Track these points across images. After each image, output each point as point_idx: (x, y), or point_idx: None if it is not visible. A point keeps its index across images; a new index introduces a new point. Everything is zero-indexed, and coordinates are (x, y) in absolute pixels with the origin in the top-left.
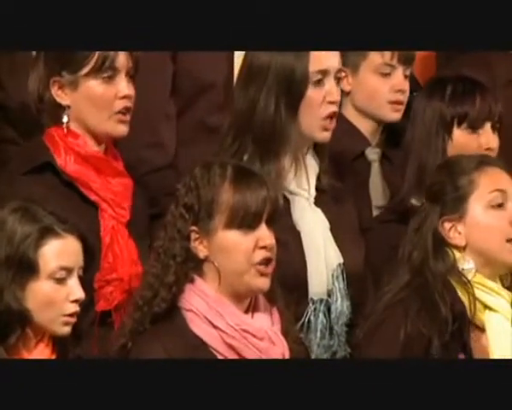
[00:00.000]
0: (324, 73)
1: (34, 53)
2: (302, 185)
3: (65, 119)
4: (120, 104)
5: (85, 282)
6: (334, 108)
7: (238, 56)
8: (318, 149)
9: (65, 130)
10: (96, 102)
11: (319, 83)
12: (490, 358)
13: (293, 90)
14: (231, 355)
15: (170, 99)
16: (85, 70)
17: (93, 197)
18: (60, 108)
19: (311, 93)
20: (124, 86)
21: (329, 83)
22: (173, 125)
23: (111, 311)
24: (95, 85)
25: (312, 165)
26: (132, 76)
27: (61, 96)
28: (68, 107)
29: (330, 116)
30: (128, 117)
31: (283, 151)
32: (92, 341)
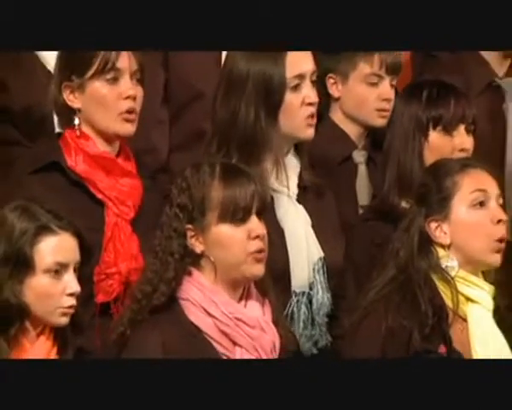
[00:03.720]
0: (301, 77)
1: (38, 54)
2: (284, 184)
3: (76, 121)
4: (125, 104)
5: (86, 276)
6: (312, 109)
7: None
8: (299, 148)
9: (77, 132)
10: (102, 102)
11: (297, 88)
12: (471, 352)
13: (271, 97)
14: (225, 342)
15: (162, 106)
16: (90, 72)
17: (99, 196)
18: (72, 112)
19: (290, 98)
20: (127, 87)
21: (306, 86)
22: (166, 131)
23: (110, 303)
24: (99, 87)
25: (294, 164)
26: (139, 79)
27: (72, 100)
28: (79, 110)
29: (310, 116)
30: (134, 116)
31: (265, 154)
32: (94, 332)
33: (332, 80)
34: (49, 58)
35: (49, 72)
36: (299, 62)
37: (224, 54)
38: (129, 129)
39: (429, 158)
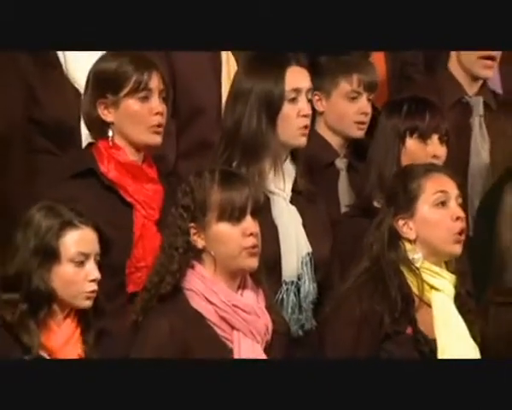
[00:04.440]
0: (298, 91)
1: (66, 72)
2: (280, 186)
3: (110, 133)
4: (154, 119)
5: (116, 268)
6: (306, 121)
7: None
8: (295, 156)
9: (110, 143)
10: (134, 117)
11: (293, 100)
12: (435, 333)
13: (271, 107)
14: (225, 327)
15: (171, 119)
16: (125, 91)
17: (129, 199)
18: (105, 125)
19: (287, 109)
20: (157, 104)
21: (302, 100)
22: (173, 141)
23: (139, 293)
24: (132, 104)
25: (290, 170)
26: (165, 98)
27: (106, 115)
28: (112, 123)
29: (304, 126)
30: (161, 129)
31: (264, 157)
32: (122, 316)
33: (317, 97)
34: (77, 76)
35: (76, 89)
36: (298, 78)
37: (223, 72)
38: (158, 140)
39: (405, 163)
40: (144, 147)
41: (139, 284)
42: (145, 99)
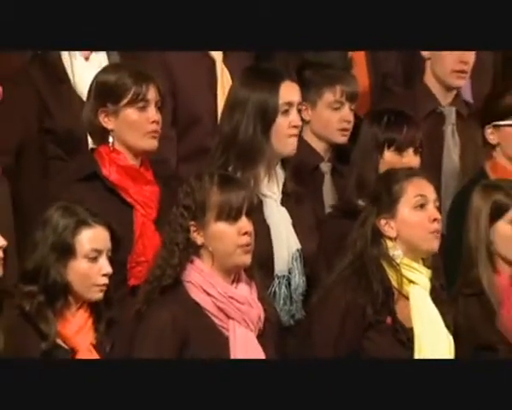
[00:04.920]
0: (290, 104)
1: (74, 87)
2: (272, 190)
3: (110, 139)
4: (151, 127)
5: (118, 264)
6: (296, 131)
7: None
8: (284, 162)
9: (111, 148)
10: (133, 125)
11: (286, 112)
12: (412, 324)
13: (267, 117)
14: (222, 316)
15: (172, 127)
16: (124, 102)
17: (129, 200)
18: (106, 132)
19: (280, 120)
20: (153, 114)
21: (293, 112)
22: (174, 147)
23: (140, 285)
24: (131, 113)
25: (279, 174)
26: (160, 107)
27: (107, 122)
28: (112, 130)
29: (294, 136)
30: (157, 135)
31: (259, 163)
32: (126, 307)
33: (304, 107)
34: (84, 90)
35: (83, 101)
36: (290, 92)
37: (218, 84)
38: (154, 145)
39: (383, 170)
40: (142, 152)
41: (140, 278)
42: (143, 109)
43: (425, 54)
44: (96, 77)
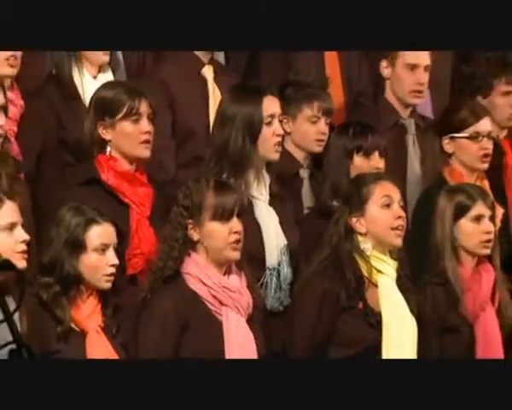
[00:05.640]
0: (272, 116)
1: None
2: (261, 192)
3: (108, 149)
4: (143, 137)
5: (120, 256)
6: (279, 139)
7: (212, 111)
8: (269, 168)
9: (108, 156)
10: (128, 136)
11: (269, 123)
12: (381, 310)
13: (253, 129)
14: (216, 303)
15: (171, 138)
16: (120, 115)
17: (126, 200)
18: (104, 142)
19: (265, 131)
20: (145, 125)
21: (276, 123)
22: (173, 155)
23: (137, 274)
24: (126, 125)
25: (266, 178)
26: (151, 119)
27: (105, 134)
28: (110, 140)
29: (278, 144)
30: (149, 145)
31: (249, 169)
32: (127, 294)
33: (285, 120)
34: None
35: None
36: (272, 106)
37: (210, 100)
38: (147, 153)
39: (354, 174)
40: (136, 159)
41: (136, 268)
42: (136, 121)
43: (385, 74)
44: (95, 93)
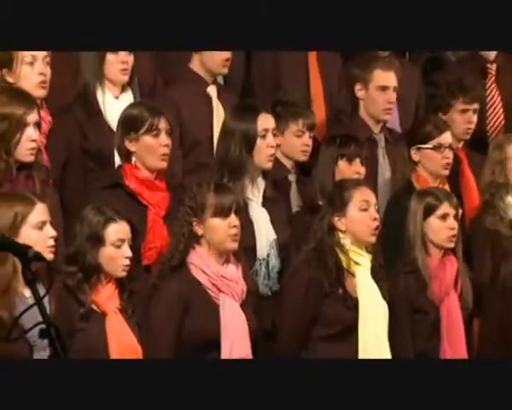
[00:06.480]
0: (266, 130)
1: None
2: (254, 195)
3: (133, 159)
4: (162, 150)
5: (135, 249)
6: (273, 151)
7: (215, 125)
8: (265, 175)
9: (133, 165)
10: (149, 149)
11: (264, 136)
12: (359, 297)
13: (249, 142)
14: (215, 290)
15: (178, 148)
16: (142, 131)
17: (144, 202)
18: (129, 153)
19: (260, 143)
20: (164, 139)
21: (269, 136)
22: (180, 163)
23: (151, 265)
24: (148, 139)
25: (261, 183)
26: (169, 134)
27: (130, 147)
28: (134, 152)
29: (271, 155)
30: (166, 157)
31: (244, 175)
32: (142, 281)
33: (275, 131)
34: (112, 120)
35: (111, 128)
36: (266, 121)
37: (214, 115)
38: (163, 164)
39: (338, 177)
40: (155, 170)
41: (151, 259)
42: (156, 136)
43: (359, 95)
44: (123, 112)
